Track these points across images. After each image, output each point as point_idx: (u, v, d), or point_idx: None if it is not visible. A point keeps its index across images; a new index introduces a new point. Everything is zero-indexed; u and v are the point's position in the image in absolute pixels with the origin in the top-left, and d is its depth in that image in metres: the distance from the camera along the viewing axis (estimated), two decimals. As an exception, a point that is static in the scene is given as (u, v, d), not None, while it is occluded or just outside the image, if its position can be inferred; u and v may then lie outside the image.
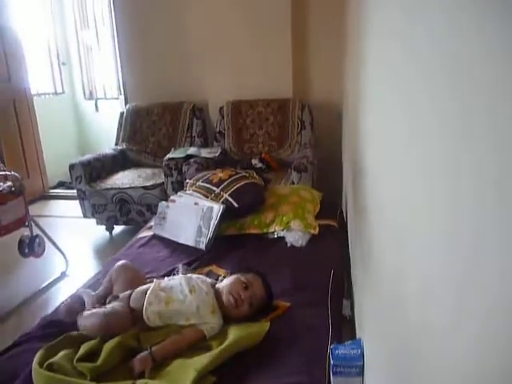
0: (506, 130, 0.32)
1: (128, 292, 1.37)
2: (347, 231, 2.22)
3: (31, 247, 2.56)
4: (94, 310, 1.30)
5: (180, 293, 1.32)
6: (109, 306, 1.30)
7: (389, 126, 0.91)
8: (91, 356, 1.17)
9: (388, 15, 0.93)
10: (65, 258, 2.74)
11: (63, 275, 2.67)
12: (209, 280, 1.44)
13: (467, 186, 0.40)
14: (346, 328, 1.52)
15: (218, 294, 1.36)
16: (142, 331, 1.26)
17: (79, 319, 1.29)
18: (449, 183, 0.46)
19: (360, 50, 1.62)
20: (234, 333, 1.24)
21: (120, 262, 1.54)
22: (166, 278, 1.44)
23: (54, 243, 2.71)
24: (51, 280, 2.61)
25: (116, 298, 1.36)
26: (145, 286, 1.38)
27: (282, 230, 1.96)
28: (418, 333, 0.58)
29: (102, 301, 1.39)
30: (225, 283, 1.39)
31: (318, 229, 1.97)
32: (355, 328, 1.56)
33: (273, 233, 1.99)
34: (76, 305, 1.37)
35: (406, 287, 0.67)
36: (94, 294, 1.44)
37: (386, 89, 0.96)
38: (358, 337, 1.43)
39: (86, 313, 1.30)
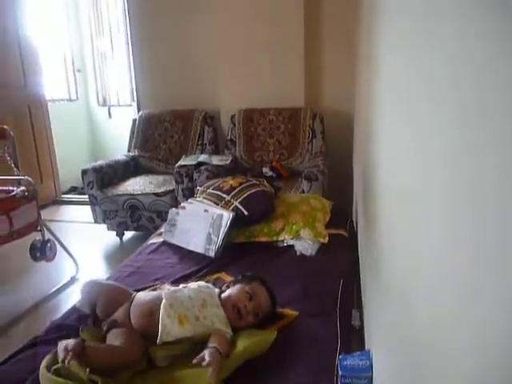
0: (507, 139, 0.32)
1: (123, 312, 1.30)
2: (357, 241, 2.21)
3: (43, 251, 2.59)
4: (105, 347, 1.20)
5: (192, 308, 1.27)
6: (118, 340, 1.20)
7: (397, 136, 0.91)
8: None
9: (398, 27, 0.93)
10: (75, 262, 2.76)
11: (73, 280, 2.69)
12: (216, 290, 1.41)
13: (468, 194, 0.40)
14: (355, 338, 1.50)
15: (223, 304, 1.33)
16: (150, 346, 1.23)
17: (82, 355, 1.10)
18: (448, 192, 0.46)
19: (371, 58, 1.62)
20: (241, 341, 1.23)
21: (93, 281, 1.48)
22: (170, 288, 1.39)
23: (64, 248, 2.73)
24: (61, 284, 2.62)
25: (114, 323, 1.27)
26: (146, 298, 1.33)
27: (292, 238, 1.95)
28: (427, 346, 0.58)
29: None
30: (229, 294, 1.36)
31: (327, 238, 1.96)
32: (364, 339, 1.55)
33: (282, 241, 1.98)
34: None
35: (415, 300, 0.66)
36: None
37: (394, 98, 0.96)
38: (367, 348, 1.41)
39: (91, 348, 1.15)
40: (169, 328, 1.21)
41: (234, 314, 1.31)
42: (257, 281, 1.40)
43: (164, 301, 1.27)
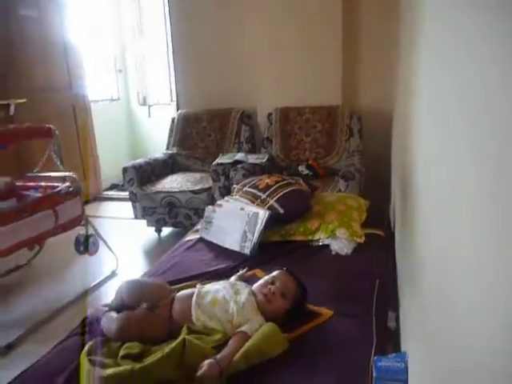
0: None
1: (167, 299, 1.39)
2: (394, 241, 2.17)
3: (86, 245, 2.69)
4: (112, 315, 1.35)
5: (226, 293, 1.37)
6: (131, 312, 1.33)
7: (434, 135, 0.89)
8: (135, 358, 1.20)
9: (435, 36, 0.91)
10: (115, 257, 2.85)
11: (113, 274, 2.78)
12: (249, 286, 1.47)
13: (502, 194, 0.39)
14: (390, 340, 1.48)
15: (254, 294, 1.40)
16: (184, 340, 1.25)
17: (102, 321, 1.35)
18: (497, 207, 0.45)
19: (410, 57, 1.59)
20: (252, 339, 1.24)
21: (136, 279, 1.58)
22: (209, 284, 1.48)
23: (105, 243, 2.82)
24: (102, 278, 2.72)
25: (155, 306, 1.35)
26: (188, 291, 1.43)
27: (328, 237, 1.94)
28: (465, 351, 0.56)
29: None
30: (255, 285, 1.45)
31: (363, 237, 1.94)
32: (400, 340, 1.52)
33: (318, 240, 1.97)
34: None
35: (454, 303, 0.65)
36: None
37: (431, 98, 0.94)
38: (402, 350, 1.39)
39: (107, 315, 1.36)
40: (202, 307, 1.33)
41: (262, 299, 1.37)
42: (277, 269, 1.49)
43: (197, 289, 1.40)
